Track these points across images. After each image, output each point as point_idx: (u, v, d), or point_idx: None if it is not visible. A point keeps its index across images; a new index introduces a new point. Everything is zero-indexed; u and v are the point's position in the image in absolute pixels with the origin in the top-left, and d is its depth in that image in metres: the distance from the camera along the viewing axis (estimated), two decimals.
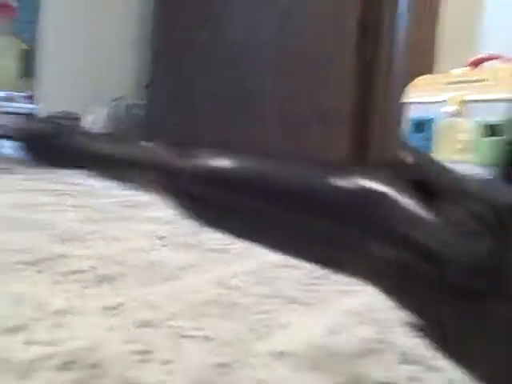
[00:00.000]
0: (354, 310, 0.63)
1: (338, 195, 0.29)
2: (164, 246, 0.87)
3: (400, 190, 0.26)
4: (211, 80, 2.83)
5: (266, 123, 2.57)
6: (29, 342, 0.45)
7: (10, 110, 3.54)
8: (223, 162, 0.36)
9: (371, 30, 2.18)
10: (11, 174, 1.64)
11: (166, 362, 0.44)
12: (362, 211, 0.28)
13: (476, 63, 1.70)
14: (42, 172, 1.78)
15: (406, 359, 0.50)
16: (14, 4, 2.43)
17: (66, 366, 0.42)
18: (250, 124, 2.64)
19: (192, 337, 0.50)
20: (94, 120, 3.21)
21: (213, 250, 0.87)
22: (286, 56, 2.51)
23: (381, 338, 0.55)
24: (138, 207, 1.23)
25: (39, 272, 0.66)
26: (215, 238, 0.97)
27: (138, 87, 3.48)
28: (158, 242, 0.90)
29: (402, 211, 0.25)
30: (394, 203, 0.26)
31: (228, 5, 2.79)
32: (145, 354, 0.45)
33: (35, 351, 0.43)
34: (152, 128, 3.15)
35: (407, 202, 0.25)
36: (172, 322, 0.53)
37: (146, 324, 0.52)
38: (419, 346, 0.54)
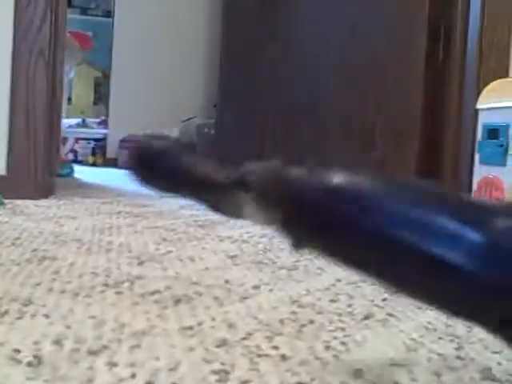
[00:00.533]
0: (430, 325, 0.62)
1: None
2: (236, 264, 0.88)
3: None
4: (277, 95, 2.85)
5: (332, 137, 2.56)
6: (111, 364, 0.47)
7: (84, 135, 3.67)
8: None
9: (441, 34, 2.15)
10: (87, 198, 1.70)
11: (245, 382, 0.45)
12: None
13: None
14: (114, 195, 1.84)
15: (487, 376, 0.49)
16: (89, 34, 2.53)
17: None
18: (317, 138, 2.63)
19: (268, 356, 0.51)
20: None
21: (284, 268, 0.87)
22: (352, 68, 2.50)
23: (460, 354, 0.54)
24: (208, 227, 1.25)
25: (119, 294, 0.68)
26: (284, 255, 0.98)
27: (207, 107, 3.54)
28: (229, 261, 0.91)
29: None
30: None
31: (293, 21, 2.81)
32: (223, 374, 0.46)
33: (118, 372, 0.45)
34: (222, 146, 3.20)
35: None
36: (248, 342, 0.54)
37: (223, 343, 0.53)
38: (501, 361, 0.53)
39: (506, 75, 1.91)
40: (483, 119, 1.77)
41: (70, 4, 4.68)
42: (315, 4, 2.69)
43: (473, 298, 0.31)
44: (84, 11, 4.80)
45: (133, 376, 0.44)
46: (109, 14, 4.03)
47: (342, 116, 2.50)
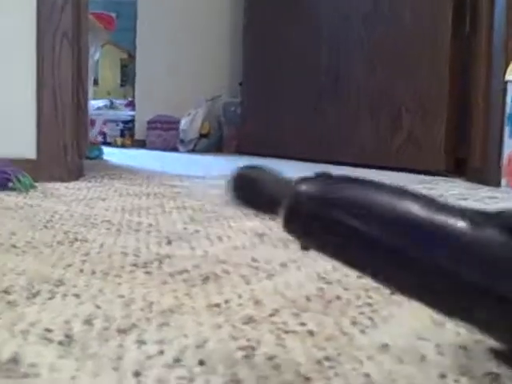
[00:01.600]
0: None
1: None
2: (263, 243, 0.89)
3: None
4: (302, 73, 2.83)
5: (357, 115, 2.54)
6: (140, 342, 0.47)
7: (112, 117, 3.70)
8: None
9: (468, 6, 2.11)
10: (117, 179, 1.72)
11: (271, 358, 0.45)
12: None
13: None
14: (143, 177, 1.85)
15: None
16: (113, 15, 2.53)
17: (175, 363, 0.43)
18: (342, 117, 2.61)
19: (295, 332, 0.51)
20: (191, 120, 3.29)
21: None
22: (377, 44, 2.47)
23: None
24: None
25: (147, 273, 0.69)
26: None
27: (232, 85, 3.53)
28: (257, 239, 0.91)
29: None
30: None
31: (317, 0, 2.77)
32: (250, 350, 0.47)
33: (146, 350, 0.46)
34: (247, 124, 3.19)
35: None
36: (275, 318, 0.54)
37: (250, 320, 0.54)
38: None
39: None
40: None
41: None
42: None
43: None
44: None
45: (161, 353, 0.45)
46: None
47: (368, 93, 2.48)
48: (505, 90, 1.77)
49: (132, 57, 3.95)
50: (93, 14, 2.26)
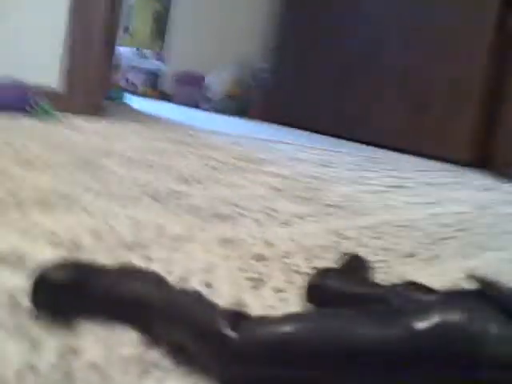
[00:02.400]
0: (475, 270, 0.60)
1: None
2: (281, 196, 0.87)
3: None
4: (335, 48, 2.78)
5: (387, 97, 2.49)
6: (147, 258, 0.46)
7: (141, 66, 3.67)
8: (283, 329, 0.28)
9: None
10: (137, 122, 1.70)
11: (278, 291, 0.44)
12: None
13: None
14: (164, 124, 1.83)
15: None
16: None
17: (182, 282, 0.42)
18: (370, 96, 2.57)
19: (306, 273, 0.49)
20: (220, 80, 3.25)
21: (331, 206, 0.85)
22: (416, 27, 2.41)
23: None
24: (256, 162, 1.24)
25: (162, 204, 0.67)
26: (333, 195, 0.96)
27: (264, 50, 3.48)
28: (274, 192, 0.89)
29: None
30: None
31: None
32: (259, 282, 0.45)
33: (153, 267, 0.44)
34: (276, 92, 3.15)
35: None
36: (287, 260, 0.53)
37: (261, 258, 0.52)
38: None
39: None
40: None
41: None
42: None
43: None
44: None
45: (168, 272, 0.43)
46: None
47: (400, 76, 2.43)
48: None
49: (166, 10, 3.90)
50: None
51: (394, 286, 0.38)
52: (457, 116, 2.18)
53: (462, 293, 0.29)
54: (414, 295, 0.36)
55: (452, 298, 0.29)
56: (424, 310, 0.28)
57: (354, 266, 0.45)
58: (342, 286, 0.39)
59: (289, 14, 3.07)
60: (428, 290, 0.36)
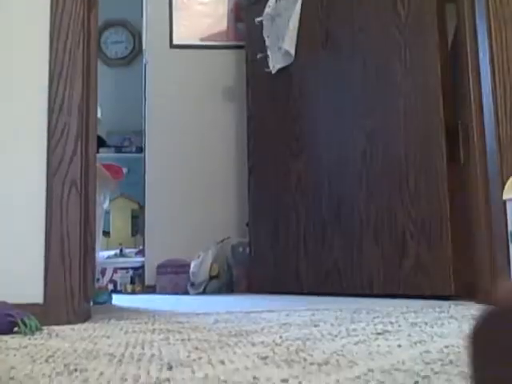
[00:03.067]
0: None
1: None
2: (266, 364, 0.87)
3: None
4: (305, 209, 2.89)
5: (363, 244, 2.56)
6: None
7: (124, 265, 3.74)
8: None
9: (459, 133, 2.19)
10: (123, 319, 1.71)
11: None
12: None
13: None
14: (150, 316, 1.84)
15: None
16: (120, 166, 2.65)
17: None
18: (348, 250, 2.64)
19: None
20: (200, 263, 3.32)
21: (315, 363, 0.86)
22: (375, 175, 2.54)
23: None
24: (242, 336, 1.25)
25: None
26: (316, 354, 0.97)
27: (240, 226, 3.59)
28: (260, 361, 0.90)
29: None
30: None
31: (313, 136, 2.90)
32: None
33: None
34: (256, 263, 3.21)
35: None
36: None
37: None
38: None
39: None
40: None
41: (104, 144, 4.94)
42: (333, 118, 2.80)
43: None
44: (118, 149, 5.04)
45: None
46: (141, 149, 4.22)
47: (370, 223, 2.52)
48: (505, 209, 1.80)
49: (142, 207, 4.06)
50: (101, 164, 2.37)
51: None
52: (433, 255, 2.24)
53: None
54: None
55: None
56: None
57: None
58: None
59: (259, 189, 3.23)
60: None
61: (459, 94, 2.15)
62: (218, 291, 3.36)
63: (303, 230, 2.87)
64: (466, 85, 2.05)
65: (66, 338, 1.29)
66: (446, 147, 2.23)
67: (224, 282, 3.43)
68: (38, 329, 1.39)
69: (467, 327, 1.29)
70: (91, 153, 1.88)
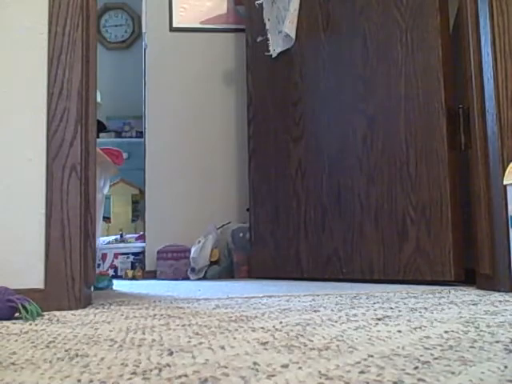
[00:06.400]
0: None
1: None
2: (266, 349, 0.87)
3: None
4: (306, 195, 2.89)
5: (364, 230, 2.56)
6: None
7: (125, 251, 3.74)
8: None
9: (461, 117, 2.18)
10: (124, 305, 1.71)
11: None
12: None
13: None
14: (151, 301, 1.85)
15: None
16: (120, 150, 2.64)
17: None
18: (349, 235, 2.64)
19: None
20: (201, 248, 3.32)
21: (315, 349, 0.86)
22: (376, 161, 2.54)
23: None
24: (243, 321, 1.25)
25: (145, 379, 0.68)
26: (316, 339, 0.97)
27: (240, 211, 3.59)
28: (260, 347, 0.90)
29: None
30: None
31: (314, 120, 2.89)
32: None
33: None
34: (256, 248, 3.21)
35: None
36: None
37: None
38: None
39: None
40: None
41: (105, 128, 4.93)
42: (333, 102, 2.78)
43: None
44: (119, 134, 5.03)
45: None
46: (141, 134, 4.21)
47: (371, 208, 2.52)
48: (505, 194, 1.80)
49: (143, 193, 4.06)
50: (101, 149, 2.36)
51: None
52: (434, 241, 2.24)
53: None
54: None
55: None
56: None
57: None
58: None
59: (259, 173, 3.22)
60: None
61: (460, 78, 2.14)
62: (219, 276, 3.37)
63: (304, 215, 2.87)
64: (467, 68, 2.04)
65: (67, 323, 1.29)
66: (447, 132, 2.23)
67: (224, 268, 3.43)
68: (39, 314, 1.39)
69: (467, 313, 1.29)
70: (91, 137, 1.87)
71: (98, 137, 3.37)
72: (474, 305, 1.46)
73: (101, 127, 4.67)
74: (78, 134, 1.68)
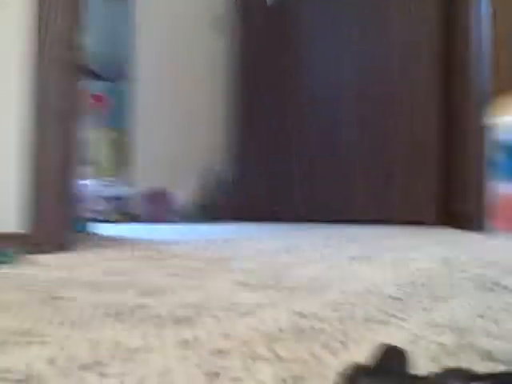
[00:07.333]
0: (433, 322, 0.61)
1: None
2: (242, 289, 0.88)
3: None
4: (295, 141, 2.87)
5: (354, 174, 2.56)
6: (102, 375, 0.46)
7: (108, 194, 3.72)
8: None
9: (449, 58, 2.16)
10: (104, 248, 1.71)
11: (235, 379, 0.44)
12: None
13: None
14: (130, 244, 1.85)
15: (487, 358, 0.48)
16: (104, 95, 2.58)
17: None
18: (337, 180, 2.64)
19: (264, 358, 0.50)
20: (185, 191, 3.31)
21: (291, 288, 0.86)
22: (367, 104, 2.52)
23: (461, 342, 0.53)
24: (221, 263, 1.25)
25: (120, 320, 0.68)
26: (291, 279, 0.97)
27: (224, 155, 3.57)
28: (236, 286, 0.90)
29: None
30: None
31: (306, 59, 2.84)
32: (216, 375, 0.46)
33: (107, 382, 0.45)
34: (240, 192, 3.21)
35: None
36: (245, 348, 0.53)
37: (220, 351, 0.53)
38: (502, 345, 0.51)
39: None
40: (499, 136, 1.76)
41: (92, 72, 4.82)
42: (326, 40, 2.74)
43: None
44: (106, 80, 4.92)
45: (121, 383, 0.44)
46: (129, 80, 4.13)
47: (358, 148, 2.51)
48: (489, 136, 1.80)
49: (127, 137, 4.00)
50: (86, 92, 2.31)
51: (436, 377, 0.35)
52: (418, 185, 2.25)
53: None
54: None
55: None
56: None
57: (388, 359, 0.41)
58: None
59: (246, 119, 3.19)
60: (471, 376, 0.34)
61: (453, 26, 2.11)
62: (202, 219, 3.37)
63: (291, 162, 2.86)
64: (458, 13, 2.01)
65: (46, 266, 1.28)
66: (436, 74, 2.21)
67: (208, 211, 3.43)
68: (18, 259, 1.38)
69: (441, 251, 1.31)
70: (75, 80, 1.83)
71: (85, 80, 3.30)
72: (448, 243, 1.48)
73: (88, 72, 4.56)
74: (62, 77, 1.64)
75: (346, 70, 2.61)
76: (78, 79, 1.83)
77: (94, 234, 2.42)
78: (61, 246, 1.62)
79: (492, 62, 1.89)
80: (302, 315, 0.67)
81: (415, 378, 0.36)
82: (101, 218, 3.62)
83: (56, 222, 1.62)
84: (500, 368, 0.45)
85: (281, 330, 0.60)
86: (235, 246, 1.63)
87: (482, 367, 0.45)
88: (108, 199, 3.70)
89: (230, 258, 1.33)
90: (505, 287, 0.80)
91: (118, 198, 3.71)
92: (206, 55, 3.76)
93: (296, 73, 2.89)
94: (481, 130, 1.86)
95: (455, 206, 2.02)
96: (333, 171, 2.63)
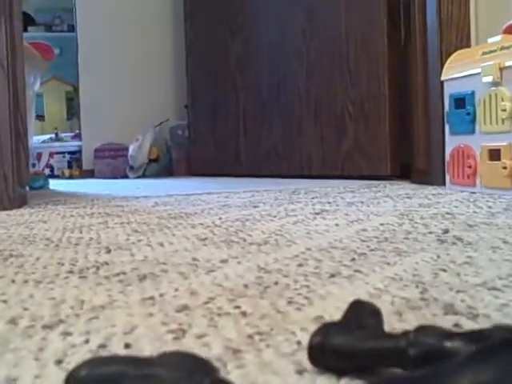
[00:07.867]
0: (396, 276, 0.62)
1: None
2: (206, 245, 0.87)
3: None
4: (245, 90, 2.85)
5: (303, 126, 2.56)
6: (66, 334, 0.46)
7: (58, 149, 3.65)
8: None
9: (401, 11, 2.16)
10: (61, 204, 1.68)
11: (201, 336, 0.44)
12: None
13: (511, 30, 1.65)
14: (88, 200, 1.82)
15: (450, 311, 0.49)
16: (50, 45, 2.50)
17: (100, 348, 0.42)
18: (288, 130, 2.64)
19: (229, 314, 0.50)
20: (139, 146, 3.27)
21: (254, 244, 0.86)
22: (315, 54, 2.50)
23: (424, 296, 0.54)
24: (182, 218, 1.24)
25: (82, 278, 0.67)
26: (255, 234, 0.97)
27: (178, 108, 3.53)
28: (199, 242, 0.90)
29: None
30: None
31: (252, 14, 2.81)
32: (181, 332, 0.45)
33: (71, 340, 0.44)
34: (195, 145, 3.19)
35: None
36: (210, 305, 0.53)
37: (184, 308, 0.52)
38: (465, 298, 0.52)
39: (467, 46, 1.91)
40: (449, 90, 1.78)
41: (33, 22, 4.66)
42: None
43: None
44: (49, 28, 4.77)
45: (86, 342, 0.43)
46: (73, 28, 4.00)
47: (310, 103, 2.51)
48: (442, 90, 1.81)
49: (77, 90, 3.91)
50: (30, 43, 2.23)
51: (408, 334, 0.34)
52: (371, 136, 2.26)
53: (494, 345, 0.27)
54: (434, 343, 0.33)
55: (485, 353, 0.26)
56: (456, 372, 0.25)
57: (359, 315, 0.39)
58: (348, 342, 0.35)
59: (197, 69, 3.14)
60: (446, 334, 0.33)
61: None
62: (158, 174, 3.35)
63: (243, 111, 2.84)
64: None
65: (1, 223, 1.26)
66: (387, 26, 2.20)
67: (163, 165, 3.41)
68: None
69: (402, 206, 1.32)
70: (17, 30, 1.76)
71: (25, 31, 3.19)
72: (408, 198, 1.50)
73: (28, 21, 4.41)
74: (1, 26, 1.57)
75: (292, 7, 2.58)
76: (20, 27, 1.76)
77: (49, 190, 2.38)
78: (14, 202, 1.59)
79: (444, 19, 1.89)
80: (266, 271, 0.67)
81: (391, 335, 0.36)
82: (54, 173, 3.56)
83: (8, 179, 1.59)
84: (462, 321, 0.46)
85: (246, 286, 0.60)
86: (196, 201, 1.62)
87: (445, 321, 0.46)
88: (63, 154, 3.63)
89: (191, 213, 1.32)
90: (467, 242, 0.81)
91: (70, 153, 3.64)
92: (153, 2, 3.67)
93: (240, 16, 2.85)
94: (437, 85, 1.87)
95: (412, 160, 2.05)
96: (283, 121, 2.63)
